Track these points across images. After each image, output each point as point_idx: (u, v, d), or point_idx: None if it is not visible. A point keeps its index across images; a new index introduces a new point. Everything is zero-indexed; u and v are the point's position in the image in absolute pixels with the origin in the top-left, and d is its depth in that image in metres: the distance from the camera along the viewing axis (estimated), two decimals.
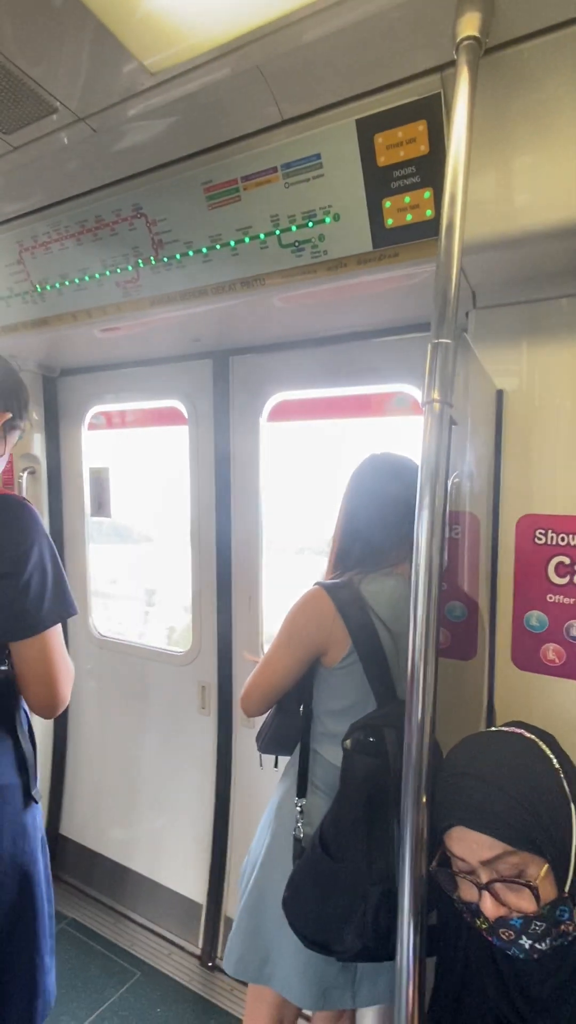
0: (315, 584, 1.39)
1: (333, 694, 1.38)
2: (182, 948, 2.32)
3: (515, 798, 0.81)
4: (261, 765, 1.54)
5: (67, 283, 1.84)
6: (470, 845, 0.82)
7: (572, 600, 1.36)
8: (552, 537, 1.38)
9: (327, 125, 1.25)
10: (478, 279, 1.38)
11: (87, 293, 1.83)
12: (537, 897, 0.78)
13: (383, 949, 1.12)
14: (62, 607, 1.22)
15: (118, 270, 1.72)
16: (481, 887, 0.82)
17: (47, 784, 2.74)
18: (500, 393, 1.42)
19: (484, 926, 0.83)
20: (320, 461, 2.34)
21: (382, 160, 1.23)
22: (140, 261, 1.66)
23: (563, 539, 1.37)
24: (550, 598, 1.38)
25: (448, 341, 0.88)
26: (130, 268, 1.69)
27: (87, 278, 1.79)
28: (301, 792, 1.36)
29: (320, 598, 1.35)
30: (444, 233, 0.91)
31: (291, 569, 2.32)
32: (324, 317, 1.82)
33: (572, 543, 1.36)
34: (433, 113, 1.15)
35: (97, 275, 1.77)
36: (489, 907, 0.81)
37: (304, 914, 1.17)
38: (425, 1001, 0.97)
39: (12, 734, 1.25)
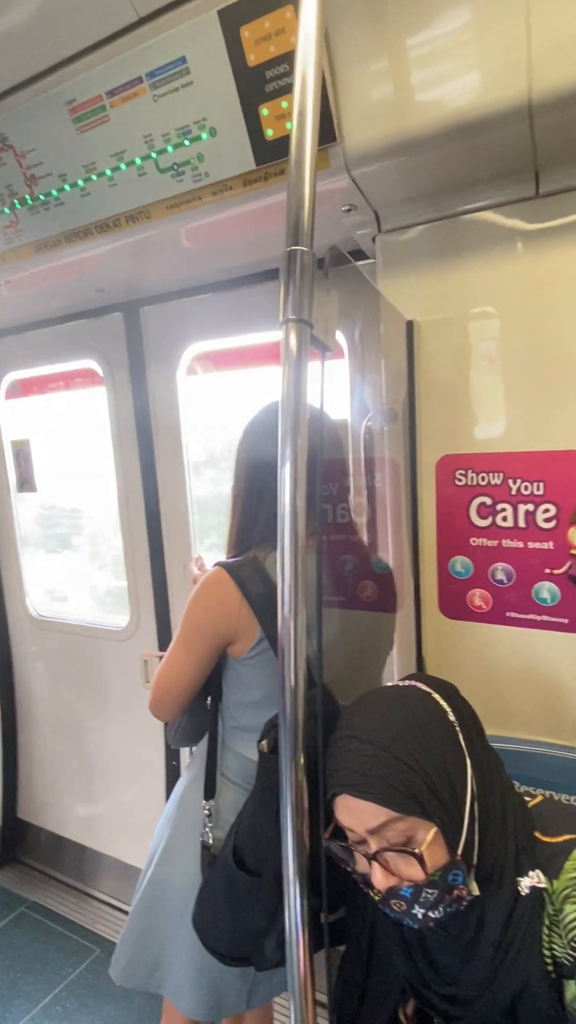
0: (215, 565, 1.21)
1: (245, 686, 1.23)
2: None
3: (399, 758, 0.73)
4: (174, 762, 1.42)
5: None
6: (355, 813, 0.75)
7: (495, 543, 1.28)
8: (472, 477, 1.29)
9: (188, 21, 1.09)
10: (379, 196, 1.25)
11: None
12: (423, 864, 0.71)
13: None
14: None
15: None
16: (369, 857, 0.74)
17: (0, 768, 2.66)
18: (410, 324, 1.31)
19: (377, 897, 0.76)
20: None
21: (252, 58, 1.08)
22: (16, 201, 1.49)
23: (484, 478, 1.28)
24: (473, 542, 1.31)
25: (304, 248, 0.75)
26: (7, 211, 1.52)
27: None
28: (209, 793, 1.22)
29: (221, 582, 1.16)
30: (295, 122, 0.78)
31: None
32: (232, 255, 1.67)
33: (493, 482, 1.27)
34: None
35: None
36: (379, 878, 0.74)
37: (219, 932, 1.04)
38: (331, 974, 0.92)
39: None
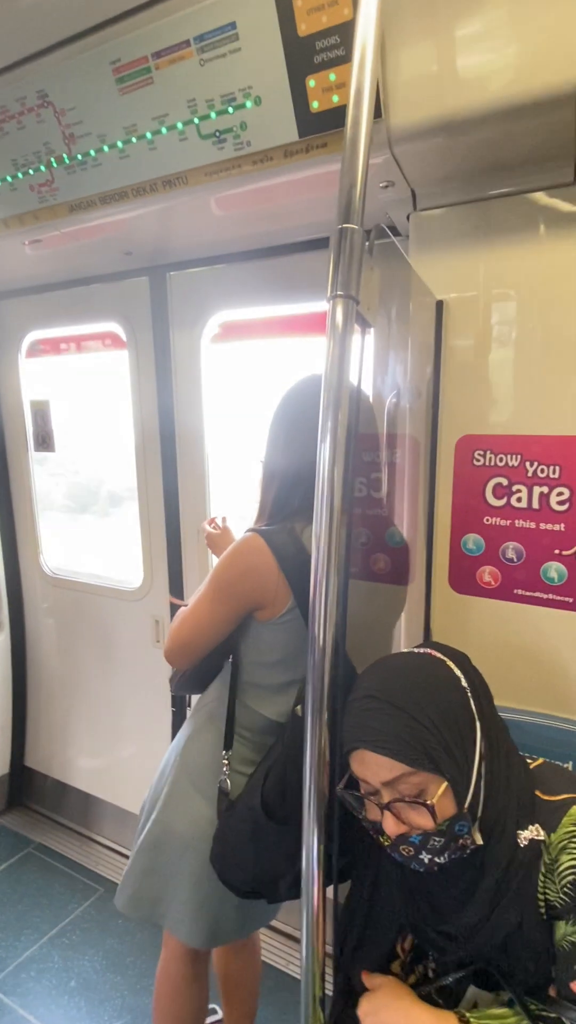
0: (249, 531, 1.22)
1: (265, 647, 1.27)
2: None
3: (415, 719, 0.79)
4: (174, 707, 1.48)
5: None
6: (371, 767, 0.81)
7: (508, 522, 1.33)
8: (490, 458, 1.33)
9: None
10: (417, 174, 1.25)
11: (1, 200, 1.66)
12: (434, 815, 0.77)
13: None
14: None
15: (31, 171, 1.55)
16: (382, 807, 0.81)
17: (9, 717, 2.75)
18: (440, 304, 1.33)
19: (387, 843, 0.82)
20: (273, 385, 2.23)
21: (303, 28, 1.08)
22: (53, 160, 1.49)
23: (501, 460, 1.32)
24: (487, 520, 1.35)
25: (355, 227, 0.78)
26: (43, 168, 1.53)
27: None
28: (228, 744, 1.28)
29: (258, 549, 1.18)
30: (352, 100, 0.79)
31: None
32: (265, 224, 1.67)
33: (510, 464, 1.31)
34: None
35: (9, 178, 1.60)
36: (391, 826, 0.80)
37: (238, 871, 1.14)
38: (336, 912, 1.00)
39: None
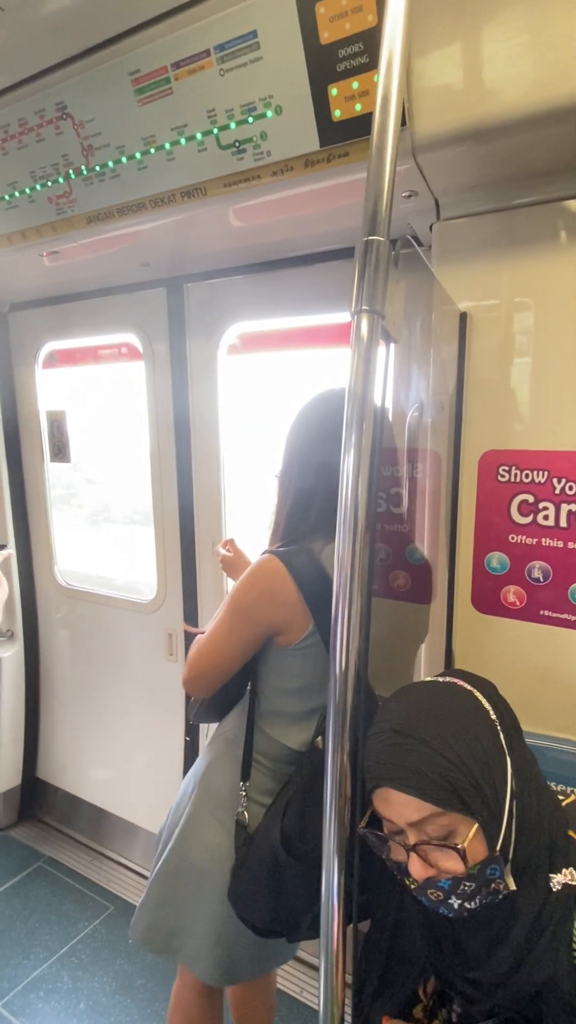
0: (266, 553, 1.18)
1: (287, 674, 1.22)
2: None
3: (445, 756, 0.75)
4: (188, 737, 1.44)
5: None
6: (396, 806, 0.77)
7: (534, 540, 1.28)
8: (516, 474, 1.29)
9: None
10: (441, 183, 1.22)
11: (19, 212, 1.65)
12: (464, 858, 0.72)
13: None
14: None
15: (49, 183, 1.54)
16: (408, 849, 0.76)
17: (21, 728, 2.73)
18: (464, 316, 1.29)
19: (413, 886, 0.78)
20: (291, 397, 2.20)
21: (325, 36, 1.06)
22: (71, 172, 1.49)
23: (527, 476, 1.27)
24: (512, 539, 1.30)
25: (381, 239, 0.75)
26: (61, 180, 1.52)
27: (17, 194, 1.61)
28: (245, 775, 1.23)
29: (276, 572, 1.14)
30: (379, 108, 0.76)
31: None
32: (284, 235, 1.65)
33: (536, 480, 1.26)
34: None
35: (27, 190, 1.59)
36: (417, 869, 0.76)
37: (257, 908, 1.09)
38: (357, 948, 0.95)
39: None
